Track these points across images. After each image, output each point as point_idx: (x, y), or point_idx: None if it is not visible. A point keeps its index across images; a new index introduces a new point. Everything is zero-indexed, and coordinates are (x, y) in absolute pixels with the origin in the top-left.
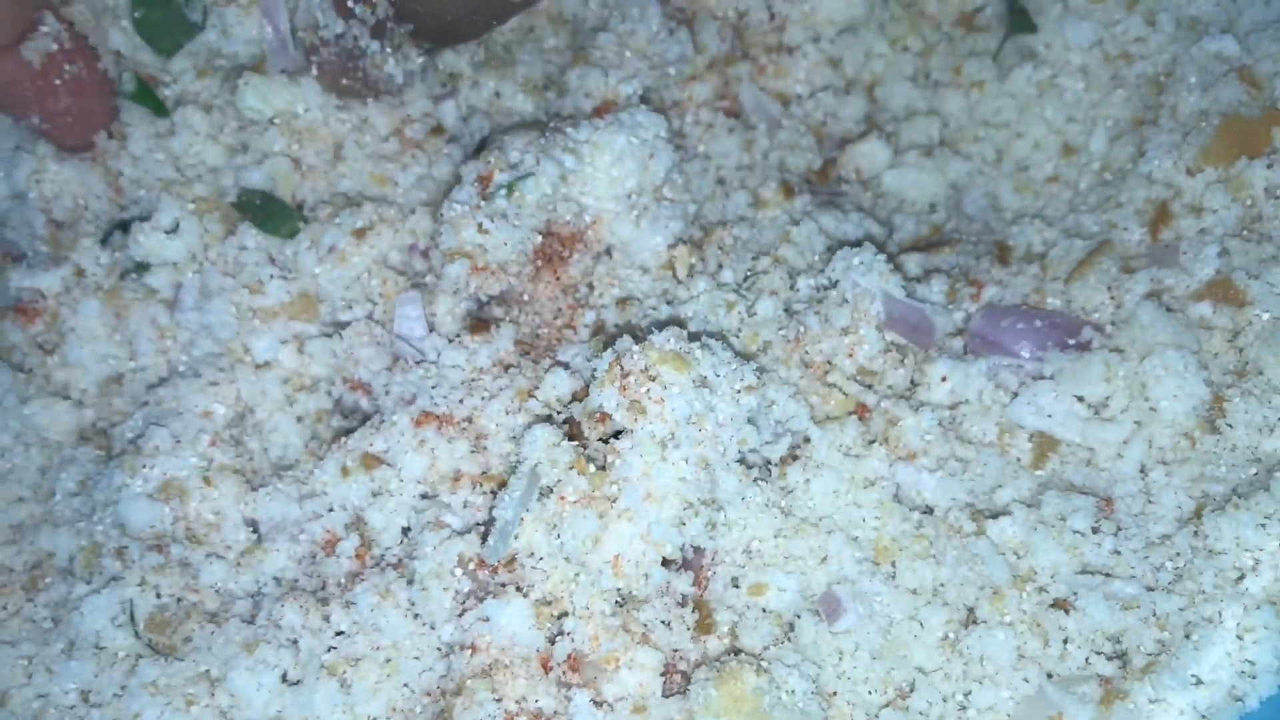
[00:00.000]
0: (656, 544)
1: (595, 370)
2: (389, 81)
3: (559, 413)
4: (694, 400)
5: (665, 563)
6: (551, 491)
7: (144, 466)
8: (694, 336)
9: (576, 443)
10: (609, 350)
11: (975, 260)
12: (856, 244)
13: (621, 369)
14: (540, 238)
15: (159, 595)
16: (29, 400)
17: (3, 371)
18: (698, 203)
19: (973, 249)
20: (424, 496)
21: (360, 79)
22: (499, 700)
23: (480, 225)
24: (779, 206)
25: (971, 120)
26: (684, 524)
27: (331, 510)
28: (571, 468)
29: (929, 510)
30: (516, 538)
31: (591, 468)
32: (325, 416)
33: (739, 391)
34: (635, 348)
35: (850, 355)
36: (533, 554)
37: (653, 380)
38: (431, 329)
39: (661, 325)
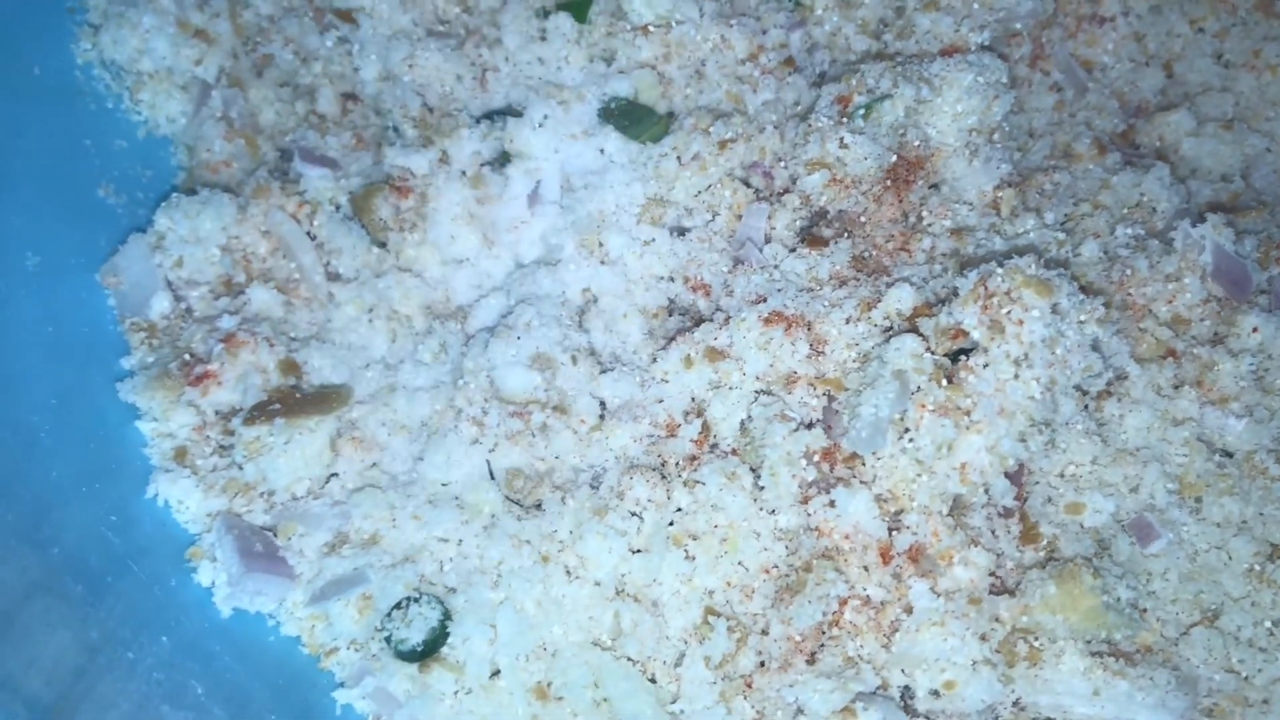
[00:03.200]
0: (1003, 457)
1: (953, 289)
2: None
3: (898, 326)
4: (1050, 325)
5: (1006, 478)
6: (911, 397)
7: (518, 338)
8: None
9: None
10: (973, 270)
11: (1277, 226)
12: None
13: (986, 289)
14: (894, 157)
15: (514, 458)
16: (384, 274)
17: (362, 243)
18: (1021, 150)
19: (1271, 216)
20: (760, 393)
21: None
22: (846, 582)
23: (842, 140)
24: (1092, 160)
25: (1263, 100)
26: (1026, 440)
27: (674, 397)
28: (931, 378)
29: (1228, 454)
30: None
31: (946, 381)
32: (663, 313)
33: (1085, 320)
34: (1000, 269)
35: (1170, 301)
36: (877, 452)
37: (1014, 302)
38: (768, 240)
39: (999, 256)
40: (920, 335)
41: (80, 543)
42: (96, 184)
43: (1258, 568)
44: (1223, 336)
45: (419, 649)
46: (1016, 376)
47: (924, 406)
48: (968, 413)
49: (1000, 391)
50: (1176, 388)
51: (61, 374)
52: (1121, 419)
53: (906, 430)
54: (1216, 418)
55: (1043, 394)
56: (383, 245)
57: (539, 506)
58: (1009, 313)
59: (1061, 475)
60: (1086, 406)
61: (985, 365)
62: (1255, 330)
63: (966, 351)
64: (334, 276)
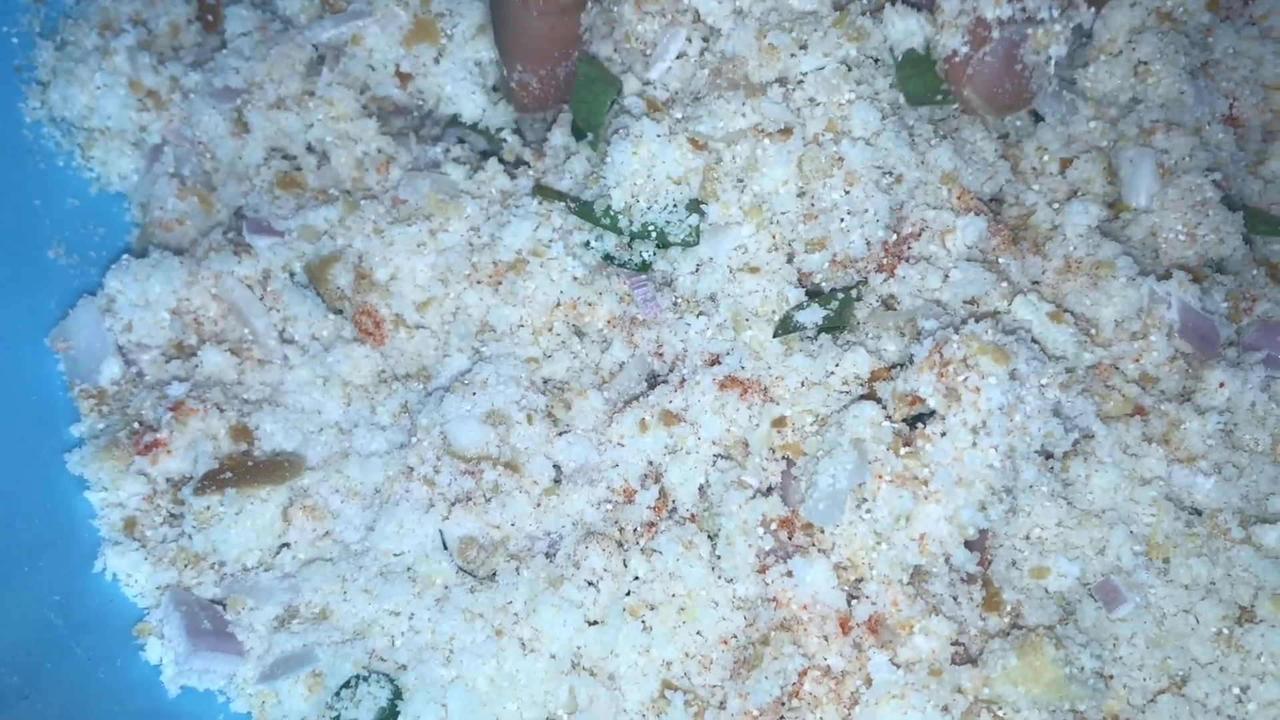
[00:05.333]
0: (962, 526)
1: (911, 355)
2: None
3: (855, 390)
4: (1007, 391)
5: (967, 545)
6: (868, 467)
7: (474, 394)
8: (1007, 330)
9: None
10: (928, 338)
11: (1248, 277)
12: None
13: (941, 356)
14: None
15: (469, 526)
16: (337, 344)
17: (318, 310)
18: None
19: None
20: (718, 457)
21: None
22: (804, 654)
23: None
24: None
25: None
26: (987, 509)
27: (630, 461)
28: (890, 447)
29: (1196, 512)
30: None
31: (905, 449)
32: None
33: (1046, 386)
34: (956, 337)
35: (1137, 360)
36: (836, 521)
37: (970, 369)
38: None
39: (956, 322)
40: (878, 401)
41: (19, 628)
42: (47, 245)
43: (1225, 631)
44: (1191, 392)
45: None
46: (974, 445)
47: (881, 477)
48: (925, 483)
49: (958, 460)
50: (1148, 444)
51: (7, 444)
52: (1088, 479)
53: (864, 500)
54: (1185, 476)
55: (1002, 462)
56: (339, 312)
57: (493, 577)
58: (965, 380)
59: (1027, 538)
60: (1052, 468)
61: (943, 434)
62: (1222, 385)
63: (925, 417)
64: (289, 340)
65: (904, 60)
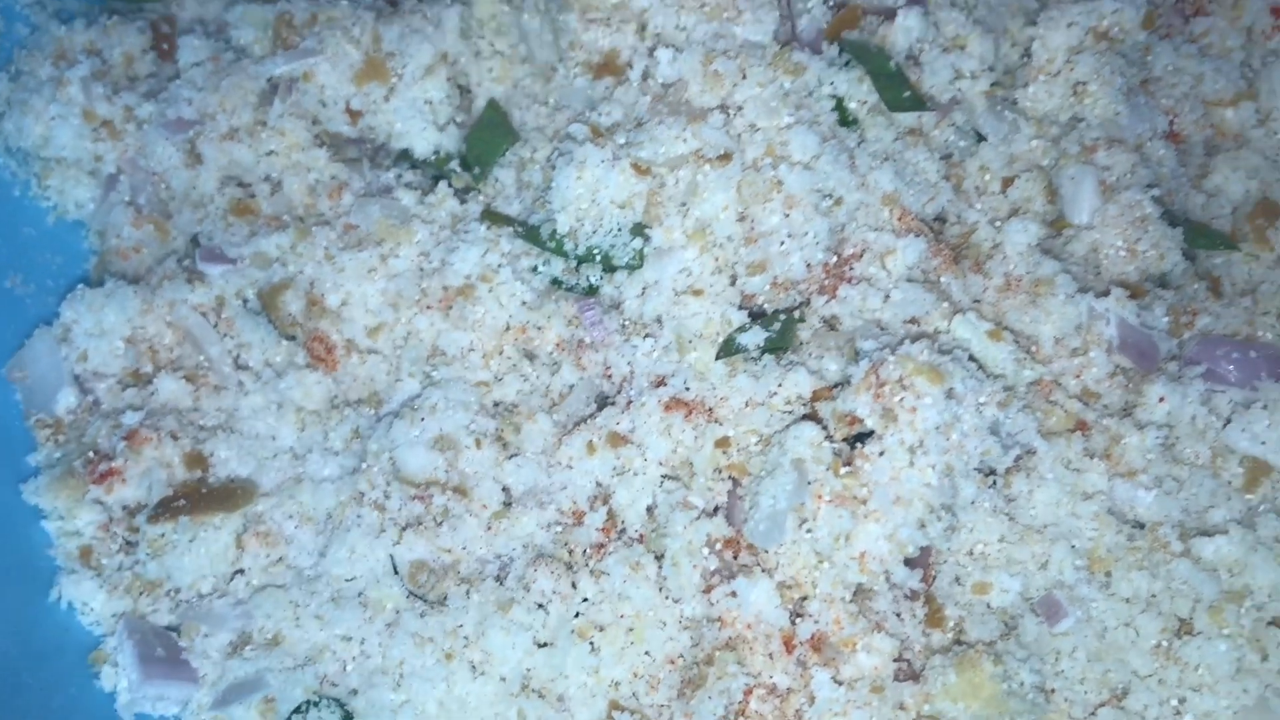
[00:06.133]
0: (902, 544)
1: (849, 376)
2: None
3: (798, 410)
4: (943, 411)
5: (907, 562)
6: (808, 487)
7: (422, 419)
8: (944, 350)
9: (829, 442)
10: (865, 359)
11: (1190, 291)
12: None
13: (877, 377)
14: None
15: (419, 550)
16: (289, 370)
17: (271, 336)
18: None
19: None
20: (665, 478)
21: None
22: (748, 673)
23: None
24: None
25: None
26: (926, 526)
27: (578, 484)
28: (830, 467)
29: (1139, 525)
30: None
31: (845, 469)
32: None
33: (984, 404)
34: (892, 358)
35: (1078, 376)
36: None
37: (906, 390)
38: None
39: (893, 343)
40: (820, 421)
41: None
42: (4, 275)
43: (1164, 644)
44: (1132, 407)
45: None
46: (911, 464)
47: (821, 497)
48: (864, 502)
49: (896, 480)
50: (1090, 459)
51: None
52: (1030, 495)
53: (805, 520)
54: (1126, 490)
55: (939, 480)
56: (291, 338)
57: (444, 601)
58: (901, 400)
59: (970, 554)
60: (995, 484)
61: (881, 453)
62: (1162, 400)
63: (865, 436)
64: (243, 366)
65: (875, 74)
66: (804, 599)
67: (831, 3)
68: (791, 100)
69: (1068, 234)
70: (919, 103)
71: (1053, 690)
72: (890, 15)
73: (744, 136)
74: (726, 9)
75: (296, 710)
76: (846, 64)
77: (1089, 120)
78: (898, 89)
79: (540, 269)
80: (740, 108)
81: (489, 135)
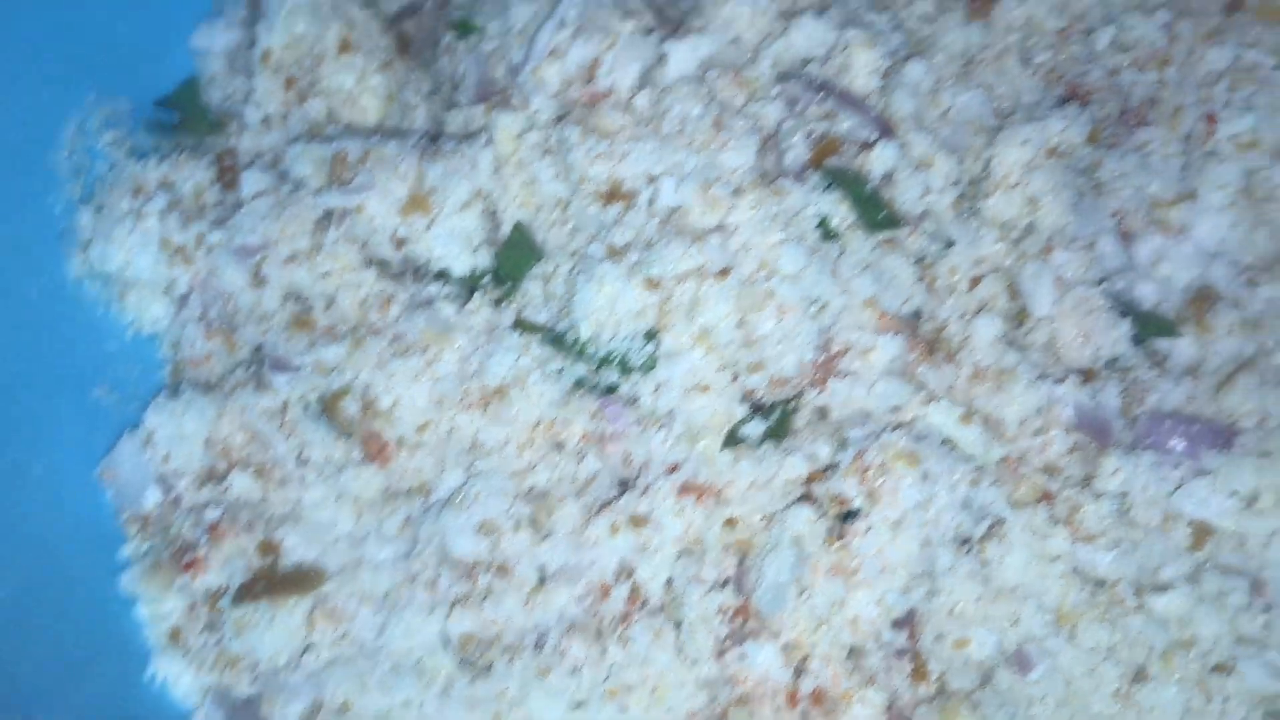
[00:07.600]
0: (889, 608)
1: (839, 460)
2: None
3: (794, 492)
4: (921, 490)
5: (894, 623)
6: (806, 560)
7: (468, 508)
8: (920, 436)
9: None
10: (852, 447)
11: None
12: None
13: (862, 463)
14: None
15: (467, 624)
16: (348, 465)
17: (330, 435)
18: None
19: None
20: (681, 554)
21: None
22: None
23: None
24: None
25: None
26: (910, 591)
27: (604, 561)
28: (825, 543)
29: (1100, 583)
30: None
31: (837, 543)
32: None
33: (957, 481)
34: (874, 445)
35: (1041, 453)
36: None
37: (887, 473)
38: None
39: (876, 430)
40: (815, 500)
41: None
42: (92, 386)
43: (1123, 689)
44: (1090, 477)
45: None
46: (894, 538)
47: (817, 569)
48: (855, 572)
49: (881, 552)
50: (1055, 525)
51: (62, 569)
52: (1002, 559)
53: (804, 589)
54: (1087, 553)
55: (920, 550)
56: (348, 436)
57: (490, 668)
58: (883, 483)
59: (950, 614)
60: (970, 551)
61: (868, 529)
62: (1117, 471)
63: (854, 514)
64: (305, 462)
65: (854, 198)
66: (805, 658)
67: (813, 137)
68: (780, 221)
69: (1029, 325)
70: (893, 221)
71: None
72: (868, 146)
73: (740, 253)
74: (712, 141)
75: None
76: (828, 187)
77: (1043, 228)
78: (874, 210)
79: (565, 371)
80: (736, 228)
81: (517, 254)
